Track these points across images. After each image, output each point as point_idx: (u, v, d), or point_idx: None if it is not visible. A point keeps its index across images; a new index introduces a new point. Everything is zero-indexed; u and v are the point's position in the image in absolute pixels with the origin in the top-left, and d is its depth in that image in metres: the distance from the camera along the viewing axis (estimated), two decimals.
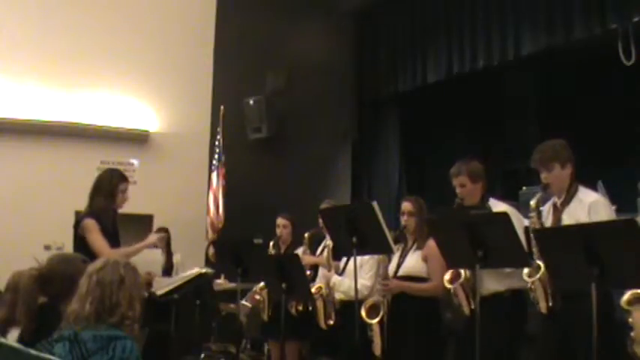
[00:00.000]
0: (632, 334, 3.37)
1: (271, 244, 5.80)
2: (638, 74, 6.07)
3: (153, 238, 4.93)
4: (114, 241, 4.66)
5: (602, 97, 7.45)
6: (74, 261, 3.05)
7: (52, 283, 2.93)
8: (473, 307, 3.96)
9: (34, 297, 2.92)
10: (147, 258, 5.94)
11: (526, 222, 4.11)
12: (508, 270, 3.92)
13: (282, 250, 5.79)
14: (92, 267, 2.65)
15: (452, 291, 4.11)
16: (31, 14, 8.79)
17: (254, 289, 5.90)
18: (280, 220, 5.89)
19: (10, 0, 8.78)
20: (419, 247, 4.61)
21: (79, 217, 4.71)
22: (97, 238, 4.50)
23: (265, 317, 5.70)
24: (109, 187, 4.69)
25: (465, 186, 4.21)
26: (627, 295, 3.43)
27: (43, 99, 8.76)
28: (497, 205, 4.16)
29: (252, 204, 8.23)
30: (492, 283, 3.99)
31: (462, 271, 4.05)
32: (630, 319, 3.40)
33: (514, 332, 4.07)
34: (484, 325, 3.62)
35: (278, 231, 5.86)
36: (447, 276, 4.14)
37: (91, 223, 4.54)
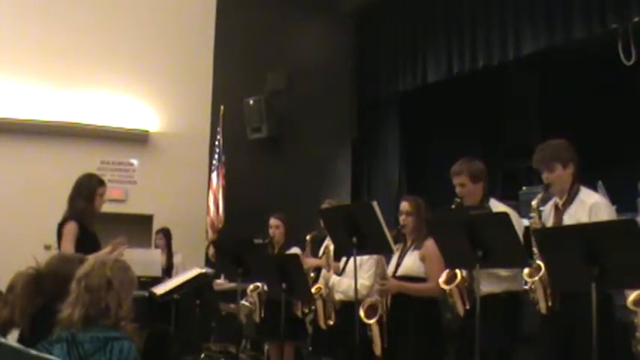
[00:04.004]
0: (637, 334, 3.36)
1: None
2: (638, 74, 6.08)
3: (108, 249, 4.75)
4: (94, 242, 4.70)
5: (602, 97, 7.45)
6: (72, 261, 3.05)
7: (47, 283, 2.93)
8: (468, 307, 3.97)
9: (30, 297, 2.92)
10: (146, 258, 5.95)
11: (525, 222, 4.11)
12: (504, 273, 3.91)
13: (276, 251, 5.76)
14: (80, 272, 2.64)
15: (447, 292, 4.08)
16: (31, 14, 8.79)
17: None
18: (273, 221, 5.86)
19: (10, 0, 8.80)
20: (417, 247, 4.56)
21: (62, 219, 4.76)
22: (65, 246, 4.59)
23: (257, 319, 5.70)
24: (88, 190, 4.79)
25: (465, 186, 4.16)
26: (633, 295, 3.40)
27: (43, 99, 8.76)
28: (498, 207, 4.13)
29: (252, 204, 8.22)
30: (488, 285, 3.98)
31: (458, 272, 4.04)
32: (636, 320, 3.38)
33: (510, 333, 4.05)
34: (480, 325, 3.61)
35: (271, 231, 5.83)
36: (443, 277, 4.11)
37: (70, 228, 4.62)
